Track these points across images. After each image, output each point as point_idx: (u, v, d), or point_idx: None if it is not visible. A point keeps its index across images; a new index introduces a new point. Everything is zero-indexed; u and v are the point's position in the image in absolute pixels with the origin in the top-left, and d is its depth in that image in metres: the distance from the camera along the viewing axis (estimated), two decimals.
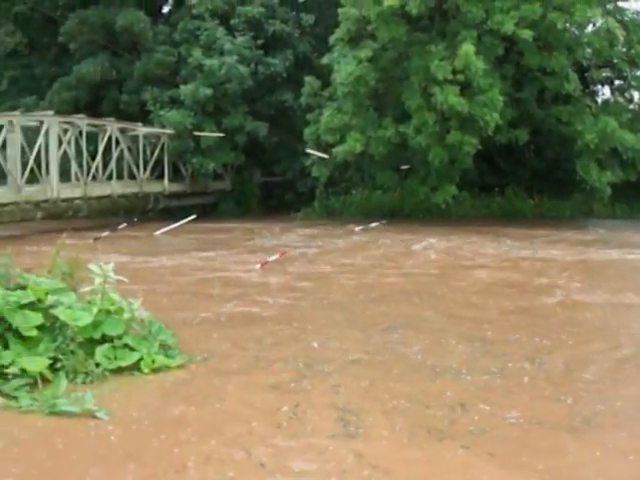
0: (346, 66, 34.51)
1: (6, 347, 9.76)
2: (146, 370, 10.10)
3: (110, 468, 7.20)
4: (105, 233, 28.06)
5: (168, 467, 7.15)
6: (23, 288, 10.68)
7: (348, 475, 6.92)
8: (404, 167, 35.68)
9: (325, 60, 37.46)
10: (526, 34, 31.74)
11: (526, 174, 39.28)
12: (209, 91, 37.38)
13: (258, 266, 20.63)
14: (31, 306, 10.31)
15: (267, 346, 11.92)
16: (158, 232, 29.91)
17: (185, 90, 37.85)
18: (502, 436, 7.89)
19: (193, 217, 31.42)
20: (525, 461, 7.26)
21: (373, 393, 9.39)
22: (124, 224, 31.22)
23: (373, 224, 31.44)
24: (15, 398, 8.94)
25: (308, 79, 39.13)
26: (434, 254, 23.88)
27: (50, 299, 10.46)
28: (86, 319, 10.17)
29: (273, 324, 13.73)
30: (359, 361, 10.89)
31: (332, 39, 36.80)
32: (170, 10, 47.21)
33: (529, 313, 14.59)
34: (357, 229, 30.84)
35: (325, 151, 35.87)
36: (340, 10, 36.19)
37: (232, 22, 40.57)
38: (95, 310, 10.39)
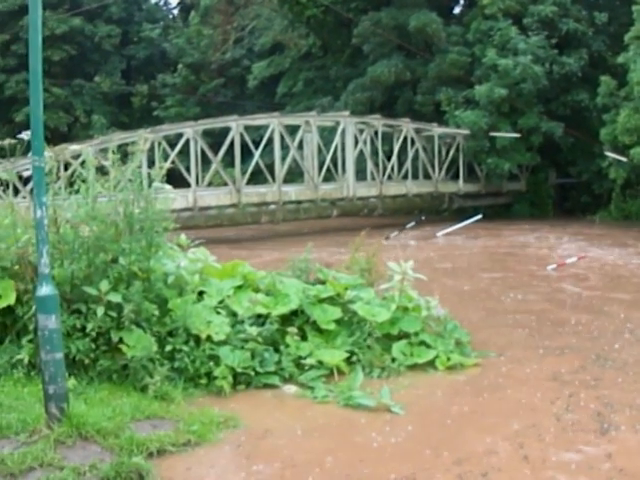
0: None
1: (304, 339, 10.10)
2: (441, 367, 10.22)
3: (392, 461, 7.35)
4: (394, 233, 28.37)
5: (447, 460, 7.33)
6: (322, 283, 11.03)
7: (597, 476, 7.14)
8: None
9: (620, 59, 36.19)
10: None
11: None
12: (504, 91, 36.91)
13: (555, 266, 20.39)
14: (330, 300, 10.64)
15: (560, 341, 11.91)
16: (439, 233, 29.78)
17: (480, 90, 37.60)
18: None
19: (478, 217, 31.23)
20: None
21: (634, 390, 9.45)
22: (412, 223, 31.44)
23: None
24: (311, 388, 9.28)
25: (604, 78, 37.75)
26: None
27: (349, 294, 10.74)
28: (384, 315, 10.38)
29: (565, 322, 13.60)
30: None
31: (627, 37, 35.42)
32: (462, 11, 47.21)
33: None
34: None
35: (622, 152, 34.66)
36: (634, 8, 34.82)
37: (525, 22, 39.83)
38: (393, 307, 10.58)
